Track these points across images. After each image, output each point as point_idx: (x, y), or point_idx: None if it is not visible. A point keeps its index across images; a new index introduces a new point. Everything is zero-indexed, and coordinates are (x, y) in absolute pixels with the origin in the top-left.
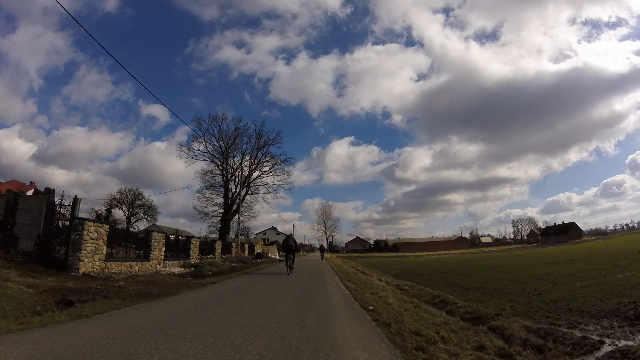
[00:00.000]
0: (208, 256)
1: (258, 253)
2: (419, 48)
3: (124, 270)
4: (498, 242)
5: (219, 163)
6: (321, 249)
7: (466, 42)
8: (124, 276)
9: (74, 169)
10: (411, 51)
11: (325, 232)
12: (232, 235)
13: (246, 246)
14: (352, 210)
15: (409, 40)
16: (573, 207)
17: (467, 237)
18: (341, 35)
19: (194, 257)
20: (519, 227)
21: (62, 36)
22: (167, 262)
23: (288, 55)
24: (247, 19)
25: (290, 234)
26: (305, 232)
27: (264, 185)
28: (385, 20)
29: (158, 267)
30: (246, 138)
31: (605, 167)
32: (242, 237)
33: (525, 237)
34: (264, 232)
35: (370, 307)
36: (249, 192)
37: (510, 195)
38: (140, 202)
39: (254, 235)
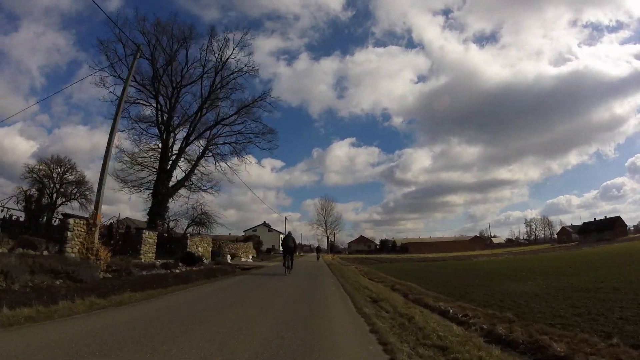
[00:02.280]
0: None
1: (188, 253)
2: (419, 50)
3: None
4: (511, 242)
5: (151, 90)
6: (317, 249)
7: (465, 44)
8: None
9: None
10: (411, 53)
11: (326, 231)
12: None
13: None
14: (352, 211)
15: (409, 42)
16: (573, 209)
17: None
18: (342, 37)
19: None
20: (533, 227)
21: (64, 35)
22: None
23: (289, 56)
24: (248, 20)
25: (289, 233)
26: (306, 232)
27: (229, 142)
28: (385, 22)
29: None
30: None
31: (605, 170)
32: (197, 228)
33: (555, 236)
34: (254, 229)
35: None
36: (208, 152)
37: (510, 197)
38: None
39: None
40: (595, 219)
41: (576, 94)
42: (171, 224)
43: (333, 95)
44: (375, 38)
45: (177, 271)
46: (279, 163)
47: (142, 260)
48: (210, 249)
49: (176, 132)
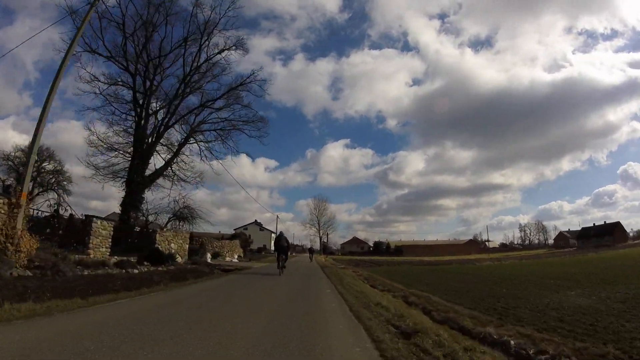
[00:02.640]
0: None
1: (154, 250)
2: (415, 53)
3: None
4: (506, 247)
5: (123, 63)
6: (310, 250)
7: (461, 49)
8: None
9: (67, 162)
10: (406, 56)
11: (319, 231)
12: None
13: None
14: (345, 212)
15: (405, 45)
16: (565, 215)
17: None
18: (338, 38)
19: None
20: (527, 232)
21: (60, 30)
22: None
23: (285, 56)
24: (244, 19)
25: (281, 233)
26: (298, 232)
27: (214, 129)
28: (381, 25)
29: None
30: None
31: (598, 176)
32: (181, 224)
33: (552, 242)
34: (245, 228)
35: None
36: (192, 139)
37: (503, 201)
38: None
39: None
40: (594, 224)
41: (570, 101)
42: (151, 218)
43: (328, 96)
44: (371, 40)
45: (136, 271)
46: (273, 163)
47: (91, 255)
48: (187, 245)
49: (157, 116)
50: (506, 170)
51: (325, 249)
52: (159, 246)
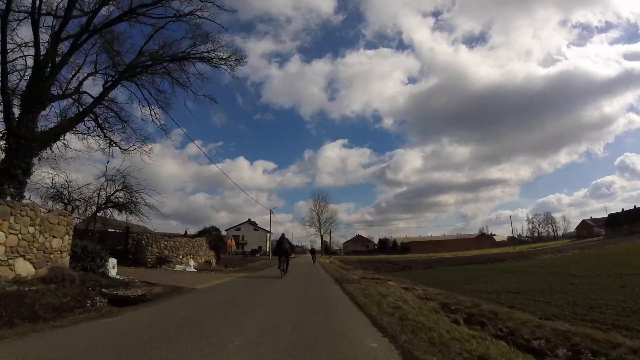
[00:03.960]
0: None
1: None
2: (409, 51)
3: None
4: (514, 240)
5: None
6: (312, 251)
7: (455, 45)
8: None
9: (65, 170)
10: (401, 55)
11: (320, 230)
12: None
13: None
14: (345, 212)
15: (400, 44)
16: (563, 207)
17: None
18: (334, 39)
19: None
20: (535, 224)
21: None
22: None
23: (281, 59)
24: (240, 23)
25: (283, 235)
26: (297, 233)
27: (161, 62)
28: (375, 24)
29: None
30: None
31: (595, 168)
32: (121, 213)
33: (573, 231)
34: (238, 228)
35: None
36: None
37: (501, 196)
38: None
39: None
40: (623, 209)
41: (566, 94)
42: (78, 204)
43: (324, 97)
44: (366, 40)
45: None
46: (271, 165)
47: None
48: (68, 241)
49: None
50: (504, 164)
51: (327, 249)
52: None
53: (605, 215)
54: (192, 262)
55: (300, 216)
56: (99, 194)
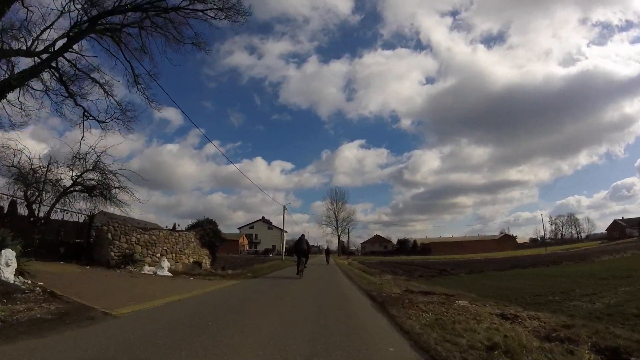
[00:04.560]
0: None
1: None
2: (427, 52)
3: None
4: (536, 242)
5: None
6: (326, 252)
7: (473, 45)
8: None
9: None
10: (419, 55)
11: (337, 229)
12: None
13: None
14: (361, 213)
15: (417, 44)
16: (582, 210)
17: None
18: (351, 39)
19: None
20: (558, 225)
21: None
22: None
23: (299, 59)
24: (258, 24)
25: (303, 236)
26: (314, 233)
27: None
28: (393, 24)
29: None
30: None
31: (615, 170)
32: (95, 201)
33: (601, 232)
34: (251, 226)
35: None
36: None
37: (520, 197)
38: None
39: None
40: None
41: (586, 94)
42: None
43: (342, 97)
44: (384, 40)
45: None
46: (288, 165)
47: None
48: None
49: None
50: (523, 166)
51: (344, 249)
52: None
53: (633, 216)
54: (165, 263)
55: (316, 216)
56: (72, 175)
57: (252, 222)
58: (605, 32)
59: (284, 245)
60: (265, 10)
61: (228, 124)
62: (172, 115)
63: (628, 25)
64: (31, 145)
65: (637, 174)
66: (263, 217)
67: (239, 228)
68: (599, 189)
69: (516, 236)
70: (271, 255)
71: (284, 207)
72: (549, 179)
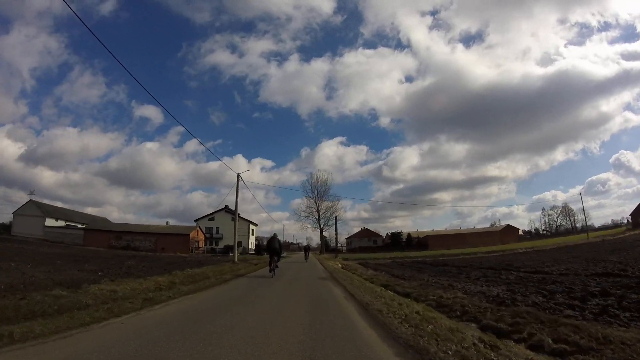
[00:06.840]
0: None
1: None
2: (407, 51)
3: None
4: (530, 234)
5: None
6: (306, 248)
7: (452, 44)
8: None
9: (62, 169)
10: (398, 54)
11: (319, 220)
12: None
13: None
14: (340, 210)
15: (398, 43)
16: (558, 204)
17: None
18: (333, 38)
19: None
20: (553, 216)
21: (56, 38)
22: None
23: (281, 58)
24: (240, 23)
25: (275, 235)
26: (294, 230)
27: None
28: (374, 24)
29: None
30: None
31: (591, 166)
32: None
33: (575, 226)
34: (211, 217)
35: None
36: None
37: (498, 193)
38: None
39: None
40: None
41: (563, 93)
42: None
43: (322, 96)
44: (365, 39)
45: None
46: (268, 163)
47: None
48: None
49: None
50: (500, 162)
51: (327, 246)
52: None
53: None
54: None
55: (296, 213)
56: None
57: (212, 213)
58: (583, 32)
59: (236, 235)
60: (247, 8)
61: (209, 122)
62: (151, 113)
63: (606, 26)
64: None
65: (612, 169)
66: (226, 206)
67: (195, 220)
68: (574, 184)
69: (519, 228)
70: (230, 254)
71: (238, 175)
72: (526, 175)
